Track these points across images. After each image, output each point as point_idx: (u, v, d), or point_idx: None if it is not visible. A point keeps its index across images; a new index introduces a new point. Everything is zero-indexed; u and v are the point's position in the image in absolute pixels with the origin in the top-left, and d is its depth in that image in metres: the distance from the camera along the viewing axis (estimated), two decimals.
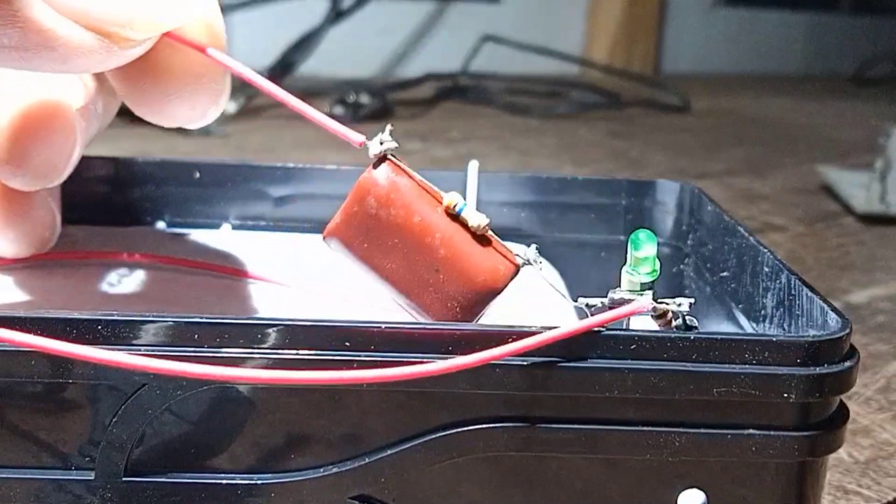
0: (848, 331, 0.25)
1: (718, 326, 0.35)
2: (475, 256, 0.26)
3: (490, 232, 0.26)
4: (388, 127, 0.26)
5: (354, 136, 0.26)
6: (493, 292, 0.26)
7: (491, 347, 0.23)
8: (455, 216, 0.26)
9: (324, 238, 0.27)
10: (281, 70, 1.17)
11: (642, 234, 0.26)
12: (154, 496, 0.24)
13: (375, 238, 0.26)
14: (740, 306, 0.33)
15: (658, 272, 0.27)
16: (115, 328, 0.23)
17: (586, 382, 0.24)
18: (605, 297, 0.26)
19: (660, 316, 0.25)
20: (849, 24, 1.95)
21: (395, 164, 0.26)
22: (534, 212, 0.40)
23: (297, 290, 0.33)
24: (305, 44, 1.18)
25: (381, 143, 0.26)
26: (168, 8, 0.24)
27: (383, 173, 0.26)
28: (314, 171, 0.40)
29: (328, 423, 0.24)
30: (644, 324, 0.26)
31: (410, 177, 0.26)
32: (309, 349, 0.23)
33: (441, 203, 0.26)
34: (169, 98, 0.25)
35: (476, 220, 0.26)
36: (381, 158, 0.26)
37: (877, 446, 0.41)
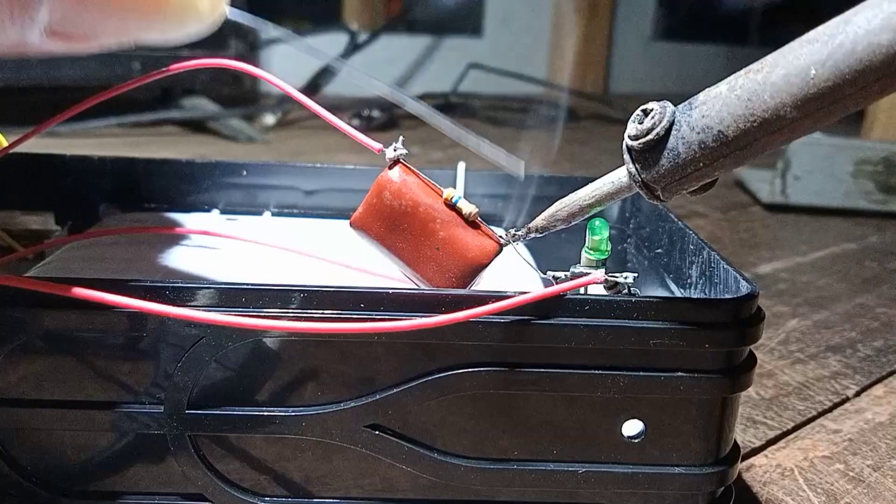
0: (756, 295, 0.25)
1: (654, 292, 0.34)
2: (467, 237, 0.26)
3: (479, 219, 0.26)
4: (401, 138, 0.26)
5: (374, 144, 0.26)
6: (482, 266, 0.26)
7: (476, 307, 0.23)
8: (452, 206, 0.26)
9: (350, 224, 0.27)
10: (310, 91, 1.16)
11: (598, 222, 0.26)
12: (210, 425, 0.24)
13: (390, 223, 0.26)
14: (671, 276, 0.33)
15: (609, 252, 0.27)
16: (178, 292, 0.23)
17: (551, 336, 0.24)
18: (567, 270, 0.26)
19: (611, 287, 0.25)
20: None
21: (406, 165, 0.26)
22: (508, 202, 0.40)
23: (323, 262, 0.33)
24: (329, 70, 1.18)
25: (395, 150, 0.26)
26: None
27: (396, 173, 0.26)
28: (336, 170, 0.39)
29: (347, 368, 0.24)
30: (597, 292, 0.26)
31: (417, 175, 0.26)
32: (332, 309, 0.23)
33: (441, 196, 0.26)
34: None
35: (468, 209, 0.26)
36: (395, 161, 0.26)
37: (778, 386, 0.41)
